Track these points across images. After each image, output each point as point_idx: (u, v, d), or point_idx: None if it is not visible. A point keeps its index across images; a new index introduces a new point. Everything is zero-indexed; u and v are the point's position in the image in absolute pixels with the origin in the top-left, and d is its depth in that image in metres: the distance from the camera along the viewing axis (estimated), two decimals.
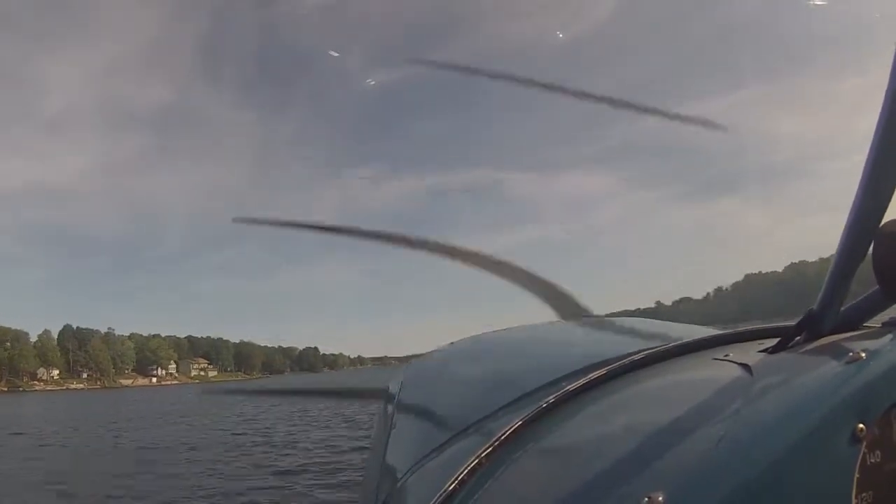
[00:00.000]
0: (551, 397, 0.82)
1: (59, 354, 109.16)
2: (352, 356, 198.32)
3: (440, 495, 0.68)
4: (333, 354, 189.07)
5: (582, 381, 0.85)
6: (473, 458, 0.73)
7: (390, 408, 1.27)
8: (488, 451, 0.74)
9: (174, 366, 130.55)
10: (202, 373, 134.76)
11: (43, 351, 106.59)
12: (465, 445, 0.83)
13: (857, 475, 0.52)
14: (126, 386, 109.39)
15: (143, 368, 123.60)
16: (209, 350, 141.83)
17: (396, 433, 1.14)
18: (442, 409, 1.11)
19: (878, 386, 0.55)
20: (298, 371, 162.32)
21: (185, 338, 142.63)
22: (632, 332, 1.40)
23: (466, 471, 0.71)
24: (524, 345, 1.48)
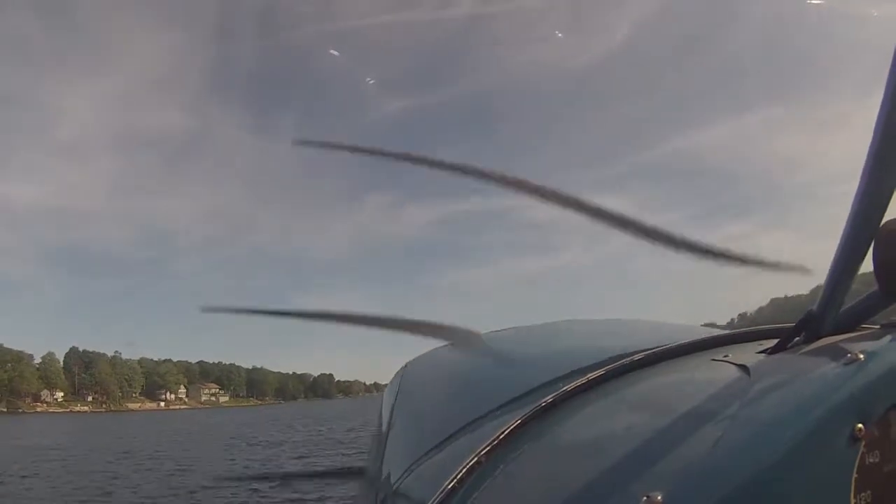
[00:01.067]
0: (550, 397, 0.82)
1: (62, 376, 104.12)
2: (367, 383, 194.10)
3: (439, 494, 0.68)
4: (348, 381, 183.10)
5: (581, 380, 0.85)
6: (472, 456, 0.72)
7: (390, 407, 1.27)
8: (487, 450, 0.74)
9: (184, 390, 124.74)
10: (213, 398, 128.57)
11: (46, 373, 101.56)
12: (465, 444, 0.83)
13: (855, 475, 0.52)
14: (132, 410, 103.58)
15: (151, 393, 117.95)
16: (220, 375, 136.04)
17: (395, 432, 1.14)
18: (441, 408, 1.12)
19: (877, 387, 0.55)
20: (312, 397, 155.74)
21: (197, 363, 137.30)
22: (631, 333, 1.42)
23: (465, 470, 0.71)
24: (523, 344, 1.51)
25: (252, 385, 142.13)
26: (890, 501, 0.55)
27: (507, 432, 0.76)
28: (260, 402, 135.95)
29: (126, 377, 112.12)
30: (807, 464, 0.50)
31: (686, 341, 0.93)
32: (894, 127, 0.60)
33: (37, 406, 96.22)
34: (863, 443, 0.53)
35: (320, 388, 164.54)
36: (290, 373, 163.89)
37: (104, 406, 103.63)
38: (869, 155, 0.62)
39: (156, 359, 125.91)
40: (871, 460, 0.54)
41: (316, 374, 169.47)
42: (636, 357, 0.89)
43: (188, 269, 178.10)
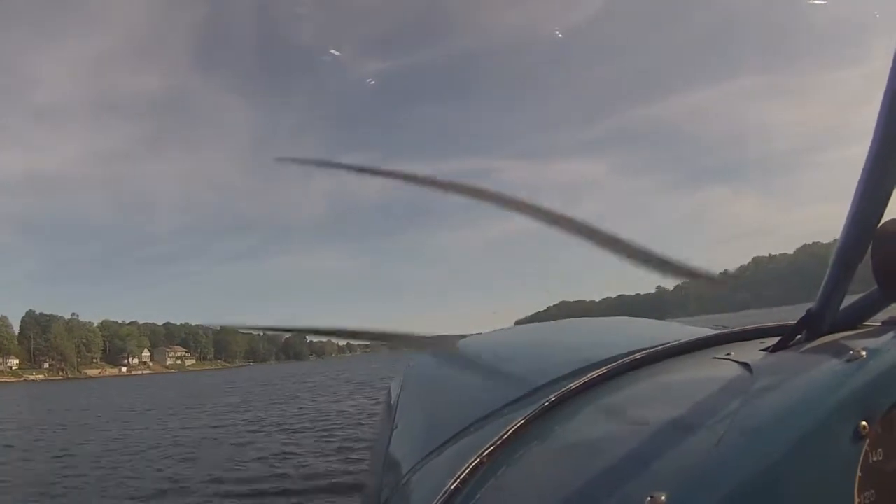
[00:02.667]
0: (553, 396, 0.82)
1: (15, 343, 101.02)
2: (341, 344, 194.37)
3: (442, 494, 0.68)
4: (321, 342, 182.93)
5: (583, 380, 0.85)
6: (475, 457, 0.73)
7: (392, 407, 1.28)
8: (490, 450, 0.74)
9: (148, 354, 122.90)
10: (178, 361, 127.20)
11: None
12: (467, 444, 0.83)
13: (859, 474, 0.52)
14: (92, 377, 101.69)
15: (113, 358, 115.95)
16: (187, 338, 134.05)
17: (398, 432, 1.15)
18: (443, 408, 1.12)
19: (880, 385, 0.55)
20: (284, 360, 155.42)
21: (163, 325, 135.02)
22: (633, 332, 1.42)
23: (468, 470, 0.71)
24: (525, 344, 1.52)
25: (220, 347, 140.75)
26: (894, 499, 0.55)
27: (509, 432, 0.76)
28: (228, 365, 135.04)
29: (84, 341, 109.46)
30: (810, 462, 0.50)
31: (688, 340, 0.93)
32: (894, 127, 0.60)
33: None
34: (866, 441, 0.53)
35: (292, 349, 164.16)
36: (261, 334, 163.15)
37: (61, 373, 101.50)
38: (868, 155, 0.63)
39: (119, 321, 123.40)
40: (875, 458, 0.54)
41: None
42: (637, 356, 0.89)
43: (165, 232, 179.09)
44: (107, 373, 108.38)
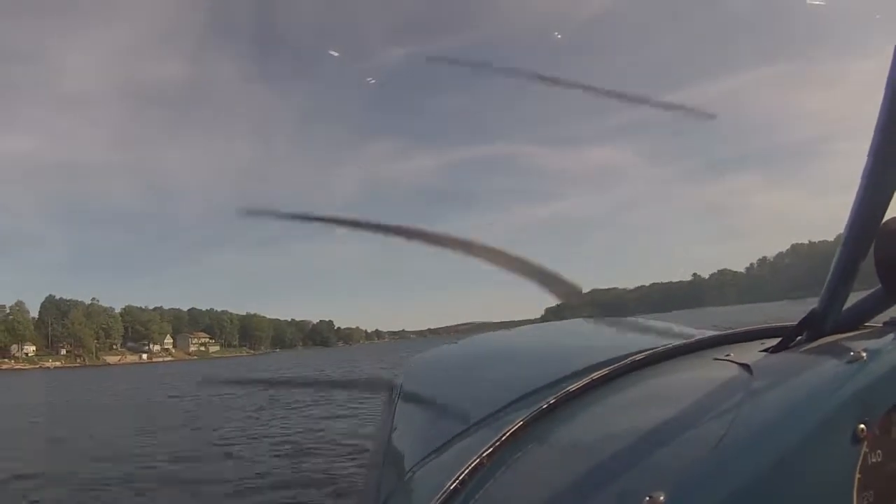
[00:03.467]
0: (552, 398, 0.82)
1: (31, 328, 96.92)
2: (368, 330, 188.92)
3: (441, 494, 0.68)
4: (349, 328, 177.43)
5: (583, 381, 0.85)
6: (475, 457, 0.72)
7: (392, 407, 1.29)
8: (489, 450, 0.74)
9: (170, 341, 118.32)
10: (202, 348, 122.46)
11: (13, 324, 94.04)
12: (467, 445, 0.83)
13: (858, 475, 0.52)
14: (111, 364, 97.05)
15: (134, 344, 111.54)
16: (211, 324, 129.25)
17: (398, 433, 1.15)
18: (443, 409, 1.13)
19: (880, 386, 0.55)
20: (311, 345, 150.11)
21: (187, 311, 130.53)
22: (633, 333, 1.42)
23: (468, 470, 0.71)
24: (525, 345, 1.51)
25: (245, 333, 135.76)
26: (892, 501, 0.55)
27: (509, 433, 0.76)
28: (254, 352, 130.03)
29: (104, 327, 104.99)
30: (809, 463, 0.50)
31: (688, 341, 0.94)
32: (894, 127, 0.60)
33: (2, 363, 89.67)
34: (865, 442, 0.53)
35: (319, 335, 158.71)
36: (290, 319, 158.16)
37: (79, 360, 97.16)
38: (869, 154, 0.63)
39: (144, 307, 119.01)
40: (874, 460, 0.54)
41: (315, 321, 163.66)
42: (638, 357, 0.90)
43: (192, 219, 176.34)
44: (127, 360, 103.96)
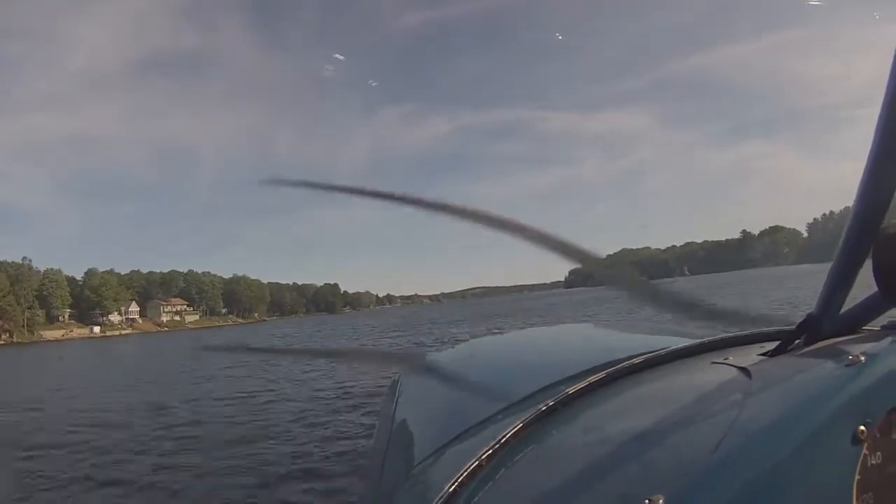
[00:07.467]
0: (551, 400, 0.82)
1: None
2: (379, 294, 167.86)
3: (440, 497, 0.69)
4: (357, 292, 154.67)
5: (582, 384, 0.85)
6: (473, 460, 0.73)
7: (391, 410, 1.28)
8: (488, 453, 0.74)
9: (136, 309, 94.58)
10: (177, 317, 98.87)
11: None
12: (465, 448, 0.82)
13: (857, 477, 0.52)
14: (50, 340, 73.60)
15: (89, 315, 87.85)
16: (188, 287, 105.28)
17: (397, 435, 1.15)
18: (442, 411, 1.12)
19: (878, 389, 0.55)
20: (314, 312, 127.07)
21: (162, 273, 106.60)
22: (631, 336, 1.44)
23: (466, 473, 0.71)
24: (524, 348, 1.53)
25: (233, 298, 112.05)
26: (892, 502, 0.55)
27: (507, 436, 0.76)
28: (243, 321, 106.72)
29: (36, 293, 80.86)
30: (809, 466, 0.50)
31: (686, 344, 0.94)
32: (894, 129, 0.61)
33: None
34: (865, 445, 0.53)
35: (323, 300, 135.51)
36: (291, 283, 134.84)
37: (4, 336, 73.58)
38: (869, 157, 0.63)
39: (110, 270, 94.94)
40: (874, 462, 0.54)
41: (319, 284, 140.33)
42: (636, 360, 0.90)
43: (203, 188, 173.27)
44: (74, 334, 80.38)
